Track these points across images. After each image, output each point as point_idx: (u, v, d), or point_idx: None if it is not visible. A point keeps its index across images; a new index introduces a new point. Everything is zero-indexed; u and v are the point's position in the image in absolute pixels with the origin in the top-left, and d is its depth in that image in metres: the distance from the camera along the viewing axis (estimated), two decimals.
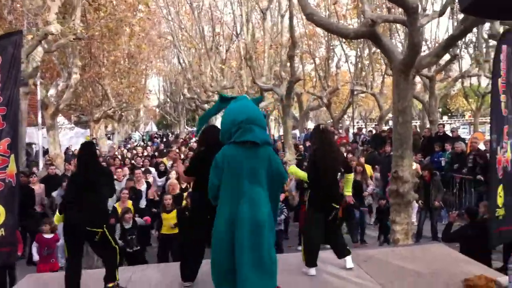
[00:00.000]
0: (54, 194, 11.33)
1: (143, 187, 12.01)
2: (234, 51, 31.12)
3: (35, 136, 19.28)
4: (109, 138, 41.18)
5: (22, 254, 9.94)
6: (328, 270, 6.86)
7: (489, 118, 8.06)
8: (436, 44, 19.22)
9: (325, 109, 30.67)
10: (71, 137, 29.15)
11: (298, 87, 29.61)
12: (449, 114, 61.98)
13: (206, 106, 30.36)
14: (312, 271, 6.76)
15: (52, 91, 18.74)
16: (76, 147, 26.60)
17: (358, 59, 27.07)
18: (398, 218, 9.25)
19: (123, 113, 39.74)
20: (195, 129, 41.68)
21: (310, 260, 6.80)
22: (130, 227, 9.61)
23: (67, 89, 18.27)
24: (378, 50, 20.86)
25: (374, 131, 21.52)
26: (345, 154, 14.10)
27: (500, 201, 7.95)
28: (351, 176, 7.13)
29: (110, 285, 6.32)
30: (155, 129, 63.04)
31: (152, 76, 51.13)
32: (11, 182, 7.65)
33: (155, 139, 39.27)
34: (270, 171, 5.64)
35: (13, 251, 7.81)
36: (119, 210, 10.03)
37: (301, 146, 19.91)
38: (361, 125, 43.66)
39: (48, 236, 9.38)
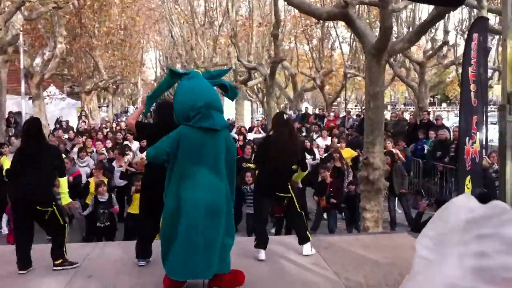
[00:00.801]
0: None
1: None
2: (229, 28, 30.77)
3: (23, 105, 19.07)
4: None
5: None
6: (285, 255, 6.74)
7: (458, 108, 7.94)
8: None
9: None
10: (62, 108, 28.85)
11: (293, 68, 29.39)
12: (448, 102, 61.71)
13: None
14: (261, 254, 6.61)
15: (38, 60, 18.48)
16: (67, 118, 26.50)
17: (352, 42, 26.77)
18: (368, 206, 9.13)
19: (117, 86, 39.49)
20: None
21: (258, 241, 6.69)
22: (105, 200, 9.46)
23: (53, 59, 18.05)
24: None
25: (362, 116, 21.31)
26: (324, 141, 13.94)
27: (468, 192, 7.86)
28: (302, 174, 7.04)
29: (58, 262, 6.20)
30: None
31: (149, 49, 50.91)
32: None
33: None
34: (227, 156, 5.54)
35: None
36: (92, 185, 9.88)
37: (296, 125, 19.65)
38: (358, 109, 43.39)
39: None
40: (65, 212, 6.68)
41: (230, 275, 5.60)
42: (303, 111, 25.99)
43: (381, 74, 8.74)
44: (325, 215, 10.97)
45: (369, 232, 8.76)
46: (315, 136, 17.87)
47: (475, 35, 7.73)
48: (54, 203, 6.25)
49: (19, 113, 21.51)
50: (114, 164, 11.65)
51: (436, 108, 55.29)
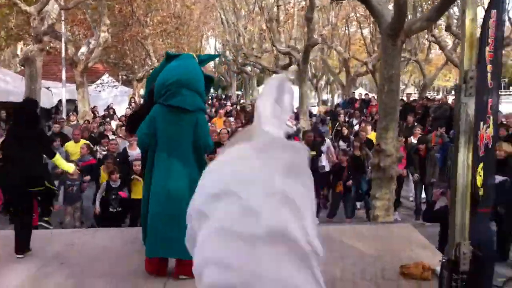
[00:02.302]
0: None
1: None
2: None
3: (63, 93, 19.50)
4: None
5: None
6: None
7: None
8: None
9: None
10: (115, 96, 29.37)
11: (346, 52, 28.61)
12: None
13: (248, 68, 29.88)
14: None
15: (83, 49, 18.75)
16: (120, 105, 26.96)
17: None
18: (378, 193, 8.66)
19: None
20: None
21: None
22: (117, 186, 9.41)
23: (96, 48, 18.30)
24: None
25: (406, 101, 20.45)
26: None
27: (480, 180, 7.27)
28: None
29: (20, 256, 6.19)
30: (211, 90, 63.11)
31: (210, 37, 51.07)
32: None
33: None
34: (196, 139, 5.34)
35: None
36: (103, 173, 9.87)
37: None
38: (415, 93, 41.73)
39: None
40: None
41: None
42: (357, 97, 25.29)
43: (396, 55, 8.22)
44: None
45: (369, 222, 8.33)
46: (355, 122, 17.34)
47: (494, 12, 7.10)
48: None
49: (71, 101, 22.04)
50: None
51: (502, 91, 52.39)
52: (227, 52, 35.71)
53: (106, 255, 6.23)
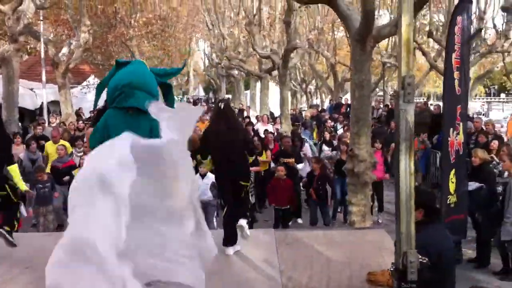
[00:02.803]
0: (21, 155, 11.26)
1: None
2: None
3: (44, 94, 19.43)
4: None
5: None
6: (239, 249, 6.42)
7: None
8: None
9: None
10: (102, 97, 29.29)
11: (332, 57, 28.66)
12: (506, 92, 58.65)
13: (234, 72, 29.83)
14: (229, 250, 6.38)
15: (64, 50, 18.66)
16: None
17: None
18: (354, 199, 8.64)
19: None
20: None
21: (226, 236, 6.46)
22: None
23: (76, 49, 18.23)
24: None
25: (390, 106, 20.49)
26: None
27: (452, 187, 7.31)
28: (251, 159, 6.79)
29: None
30: (202, 93, 63.02)
31: (200, 40, 50.98)
32: None
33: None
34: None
35: None
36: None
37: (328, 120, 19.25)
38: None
39: None
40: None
41: None
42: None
43: (366, 61, 8.20)
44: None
45: (343, 227, 8.31)
46: (339, 126, 17.34)
47: (459, 19, 7.12)
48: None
49: (55, 102, 21.93)
50: None
51: (492, 98, 52.64)
52: (213, 55, 35.65)
53: None
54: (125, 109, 5.21)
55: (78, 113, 20.80)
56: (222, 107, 6.59)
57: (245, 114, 21.40)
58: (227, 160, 6.35)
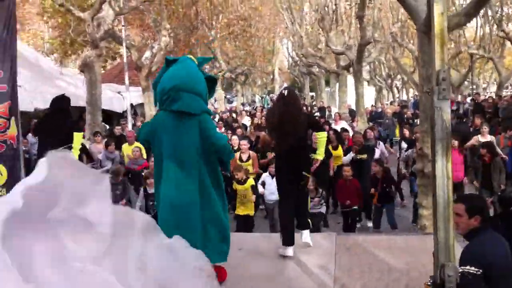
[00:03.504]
0: (100, 155, 11.61)
1: None
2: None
3: (128, 96, 20.11)
4: (230, 102, 41.98)
5: None
6: (298, 252, 6.23)
7: None
8: None
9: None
10: None
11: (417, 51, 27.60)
12: None
13: (315, 69, 29.47)
14: (289, 251, 6.19)
15: (147, 54, 19.26)
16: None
17: (482, 20, 24.37)
18: (425, 202, 8.18)
19: (246, 76, 40.09)
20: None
21: (285, 237, 6.25)
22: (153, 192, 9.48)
23: (158, 52, 18.69)
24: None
25: (476, 100, 19.37)
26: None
27: None
28: (321, 135, 6.38)
29: None
30: None
31: (284, 38, 50.97)
32: (12, 144, 7.94)
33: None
34: (204, 142, 5.24)
35: None
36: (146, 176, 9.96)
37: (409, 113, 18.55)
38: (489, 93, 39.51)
39: None
40: None
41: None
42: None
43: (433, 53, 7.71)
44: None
45: (408, 233, 7.85)
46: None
47: None
48: None
49: (142, 105, 22.71)
50: None
51: None
52: (293, 53, 35.47)
53: None
54: (173, 111, 5.21)
55: None
56: (285, 94, 6.41)
57: (327, 112, 21.10)
58: (286, 143, 6.13)
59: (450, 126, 3.14)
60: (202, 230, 5.22)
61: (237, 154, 10.09)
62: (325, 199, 8.96)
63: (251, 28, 33.19)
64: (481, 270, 3.29)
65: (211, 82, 5.74)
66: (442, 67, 3.12)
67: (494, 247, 3.62)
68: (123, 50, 20.07)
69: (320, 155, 6.47)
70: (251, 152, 10.19)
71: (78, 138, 6.54)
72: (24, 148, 10.48)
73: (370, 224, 9.87)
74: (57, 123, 6.38)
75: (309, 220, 6.42)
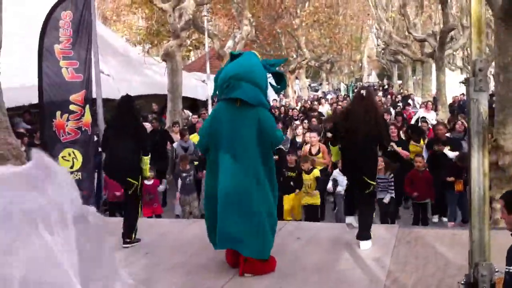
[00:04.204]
0: (174, 144, 11.92)
1: None
2: None
3: (208, 85, 20.49)
4: (315, 90, 41.74)
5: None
6: (354, 241, 6.18)
7: None
8: None
9: None
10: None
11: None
12: None
13: (401, 57, 28.61)
14: (349, 219, 6.38)
15: (230, 43, 19.49)
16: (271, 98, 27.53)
17: None
18: (498, 195, 7.73)
19: (332, 64, 39.69)
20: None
21: (346, 208, 6.56)
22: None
23: (240, 41, 18.89)
24: None
25: None
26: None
27: None
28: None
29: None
30: (374, 80, 61.77)
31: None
32: (87, 130, 8.43)
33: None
34: (260, 134, 5.30)
35: (90, 195, 8.64)
36: None
37: None
38: None
39: (149, 182, 9.75)
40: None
41: (260, 261, 5.38)
42: None
43: (511, 41, 7.30)
44: None
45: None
46: None
47: None
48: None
49: None
50: None
51: None
52: (378, 41, 34.62)
53: (188, 247, 6.42)
54: (232, 101, 5.28)
55: None
56: (364, 94, 6.31)
57: (409, 101, 20.50)
58: (352, 148, 6.05)
59: (487, 119, 2.97)
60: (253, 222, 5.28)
61: (307, 147, 10.04)
62: (392, 186, 8.67)
63: (337, 16, 32.76)
64: None
65: (278, 77, 5.79)
66: (480, 56, 2.95)
67: None
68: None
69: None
70: (320, 144, 10.04)
71: (146, 162, 6.85)
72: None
73: (445, 219, 9.41)
74: (126, 123, 6.69)
75: (370, 231, 6.22)
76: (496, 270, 3.06)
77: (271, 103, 14.44)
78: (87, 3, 8.27)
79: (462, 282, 3.19)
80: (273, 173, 5.55)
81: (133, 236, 6.60)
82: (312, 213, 8.90)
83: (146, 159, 6.88)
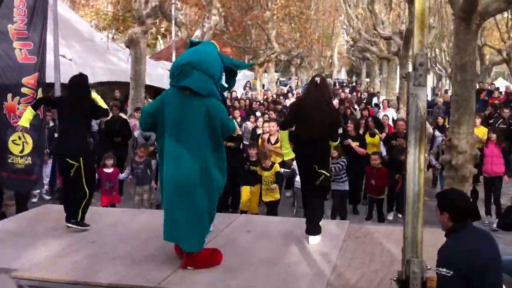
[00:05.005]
0: (135, 133, 11.73)
1: None
2: None
3: None
4: (285, 85, 41.75)
5: None
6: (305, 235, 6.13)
7: None
8: None
9: None
10: (238, 79, 29.95)
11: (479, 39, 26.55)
12: None
13: (367, 55, 28.78)
14: (311, 239, 6.10)
15: (197, 32, 19.19)
16: (240, 90, 27.40)
17: None
18: None
19: (302, 59, 39.68)
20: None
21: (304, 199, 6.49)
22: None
23: (207, 31, 18.65)
24: None
25: None
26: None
27: None
28: (333, 144, 6.21)
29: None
30: (344, 76, 62.13)
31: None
32: (38, 114, 8.18)
33: None
34: (209, 124, 5.18)
35: (39, 179, 8.42)
36: None
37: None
38: None
39: (109, 170, 9.56)
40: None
41: (204, 253, 5.30)
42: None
43: (470, 40, 7.35)
44: None
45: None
46: None
47: None
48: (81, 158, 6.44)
49: None
50: None
51: None
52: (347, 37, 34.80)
53: (136, 237, 6.30)
54: (182, 88, 5.17)
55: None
56: (317, 82, 6.24)
57: (375, 99, 20.65)
58: (304, 136, 5.99)
59: (426, 114, 2.93)
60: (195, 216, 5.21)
61: (265, 136, 9.97)
62: (346, 173, 8.70)
63: (309, 10, 32.74)
64: (451, 272, 3.07)
65: (229, 73, 5.68)
66: (421, 50, 2.90)
67: (475, 247, 3.34)
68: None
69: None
70: (279, 134, 9.94)
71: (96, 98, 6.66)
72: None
73: (390, 217, 9.49)
74: (79, 99, 6.49)
75: (320, 225, 6.15)
76: (428, 267, 3.03)
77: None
78: None
79: (394, 278, 3.15)
80: (223, 162, 5.45)
81: (79, 216, 6.42)
82: (272, 209, 8.88)
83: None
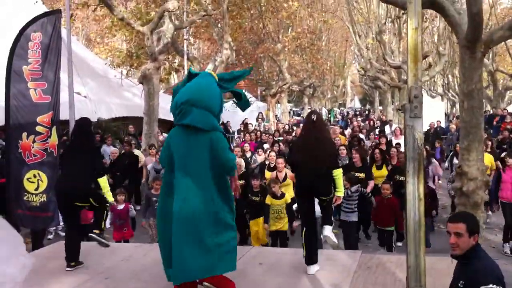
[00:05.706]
0: (148, 166, 11.87)
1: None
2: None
3: None
4: (298, 115, 41.92)
5: None
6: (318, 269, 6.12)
7: None
8: None
9: None
10: (251, 111, 30.16)
11: (490, 65, 26.63)
12: None
13: (379, 83, 28.91)
14: (310, 269, 6.11)
15: (210, 66, 19.53)
16: (252, 121, 27.60)
17: None
18: None
19: (315, 89, 39.89)
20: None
21: (307, 255, 6.19)
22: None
23: (220, 65, 18.94)
24: None
25: None
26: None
27: None
28: (336, 173, 6.20)
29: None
30: (357, 105, 62.22)
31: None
32: (53, 152, 8.36)
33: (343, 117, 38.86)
34: (213, 159, 5.25)
35: (54, 216, 8.53)
36: None
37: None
38: None
39: (120, 206, 9.61)
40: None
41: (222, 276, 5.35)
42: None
43: (476, 68, 7.40)
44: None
45: (435, 254, 7.45)
46: None
47: None
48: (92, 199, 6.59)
49: None
50: None
51: None
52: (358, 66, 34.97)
53: (148, 272, 6.34)
54: (185, 126, 5.25)
55: (226, 126, 21.56)
56: (314, 119, 6.33)
57: (387, 128, 20.64)
58: (308, 172, 6.06)
59: (422, 145, 2.99)
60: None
61: (273, 173, 9.92)
62: (356, 205, 8.71)
63: (320, 41, 33.05)
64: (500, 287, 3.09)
65: (236, 95, 5.79)
66: (415, 83, 2.98)
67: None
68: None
69: (340, 193, 6.30)
70: (288, 170, 9.63)
71: (103, 185, 6.81)
72: None
73: (399, 244, 9.38)
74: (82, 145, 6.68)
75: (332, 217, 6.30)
76: None
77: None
78: (57, 24, 8.27)
79: None
80: (228, 196, 5.48)
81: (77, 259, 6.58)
82: (280, 239, 8.85)
83: (103, 182, 6.80)
